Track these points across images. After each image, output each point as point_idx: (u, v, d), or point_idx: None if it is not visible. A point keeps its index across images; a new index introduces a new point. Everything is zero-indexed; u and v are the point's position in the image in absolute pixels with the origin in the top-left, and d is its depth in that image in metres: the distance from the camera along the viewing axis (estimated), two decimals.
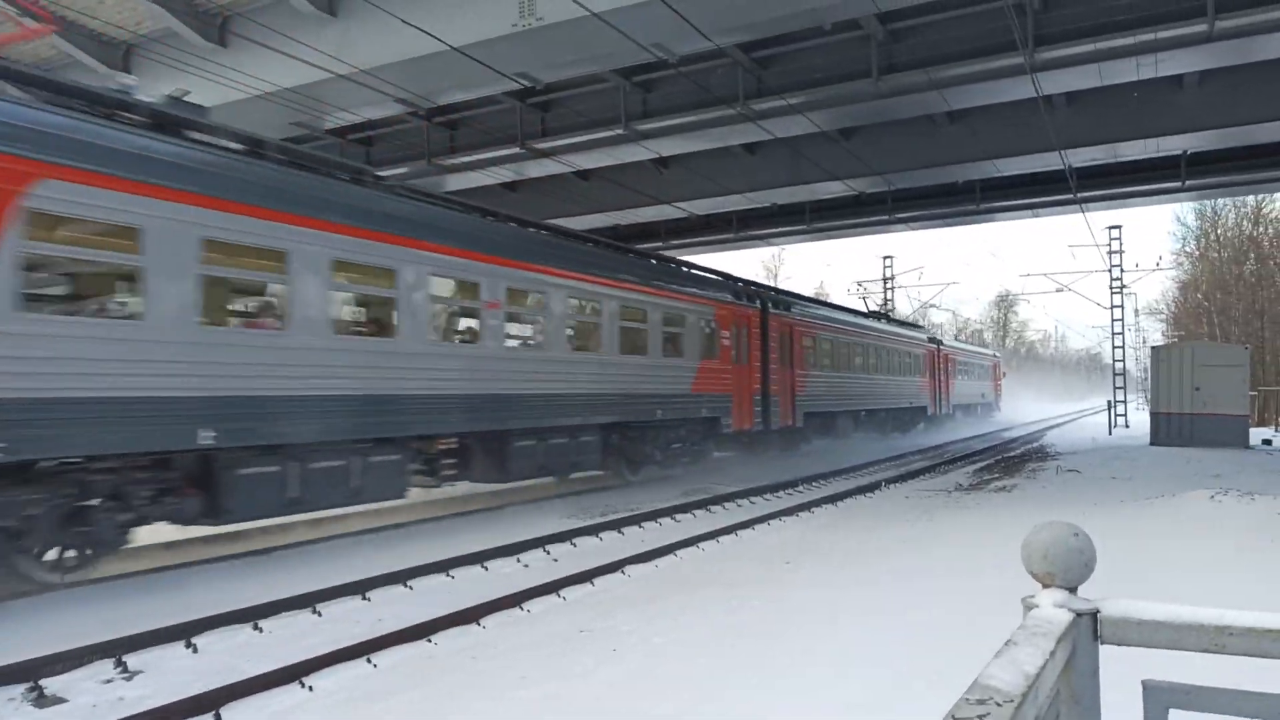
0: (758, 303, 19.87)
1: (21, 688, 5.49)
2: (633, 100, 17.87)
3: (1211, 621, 1.45)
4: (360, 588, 7.89)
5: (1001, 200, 22.52)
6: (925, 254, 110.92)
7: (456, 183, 21.71)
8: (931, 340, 35.99)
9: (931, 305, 57.89)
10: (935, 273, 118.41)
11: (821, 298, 34.97)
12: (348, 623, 7.08)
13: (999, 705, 1.05)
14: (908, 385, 31.35)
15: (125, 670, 5.89)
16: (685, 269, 18.50)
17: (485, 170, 20.40)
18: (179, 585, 8.21)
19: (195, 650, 6.33)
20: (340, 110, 16.75)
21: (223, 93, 15.77)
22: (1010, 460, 21.35)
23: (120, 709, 5.15)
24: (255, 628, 6.83)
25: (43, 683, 5.56)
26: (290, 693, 5.44)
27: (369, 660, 6.00)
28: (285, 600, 7.26)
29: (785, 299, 22.29)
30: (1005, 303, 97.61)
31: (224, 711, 5.11)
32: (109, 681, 5.73)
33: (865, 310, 34.76)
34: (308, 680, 5.57)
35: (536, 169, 20.60)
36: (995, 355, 54.75)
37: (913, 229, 27.16)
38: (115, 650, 6.05)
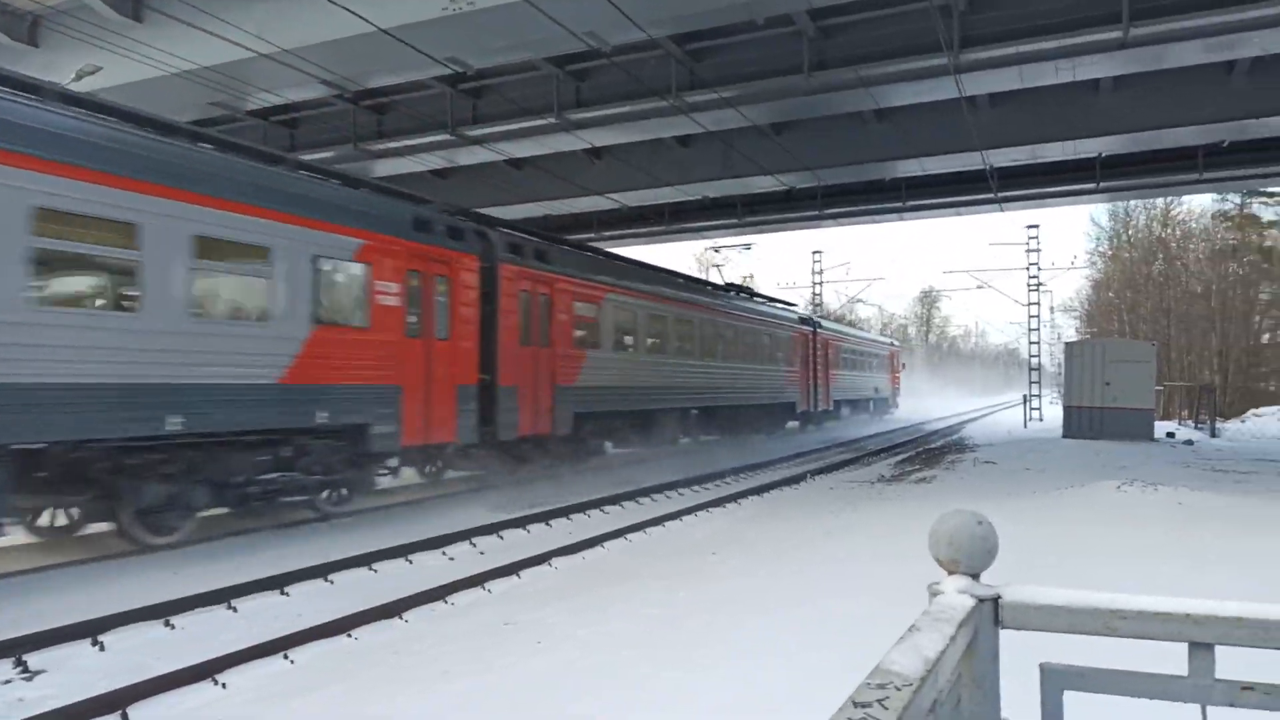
0: (474, 245, 13.24)
1: None
2: (565, 89, 17.74)
3: (1104, 605, 1.50)
4: (279, 582, 7.70)
5: (926, 198, 23.04)
6: (853, 250, 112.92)
7: (385, 168, 21.28)
8: (805, 321, 30.34)
9: (858, 300, 59.09)
10: (863, 268, 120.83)
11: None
12: (265, 618, 6.90)
13: (898, 689, 1.07)
14: (768, 376, 25.66)
15: (26, 670, 5.64)
16: (288, 166, 11.34)
17: (415, 156, 20.04)
18: (85, 582, 7.89)
19: (102, 648, 6.10)
20: (263, 91, 16.25)
21: (136, 70, 15.16)
22: (931, 452, 21.93)
23: (21, 710, 4.93)
24: (166, 624, 6.62)
25: None
26: (202, 690, 5.28)
27: (286, 656, 5.87)
28: (199, 596, 7.05)
29: (538, 246, 15.43)
30: (929, 299, 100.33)
31: (131, 711, 4.93)
32: (8, 682, 5.48)
33: (713, 282, 27.08)
34: (220, 677, 5.42)
35: (467, 156, 20.31)
36: (893, 343, 47.92)
37: (841, 225, 27.60)
38: (15, 649, 5.79)
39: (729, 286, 26.84)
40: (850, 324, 52.48)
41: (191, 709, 5.01)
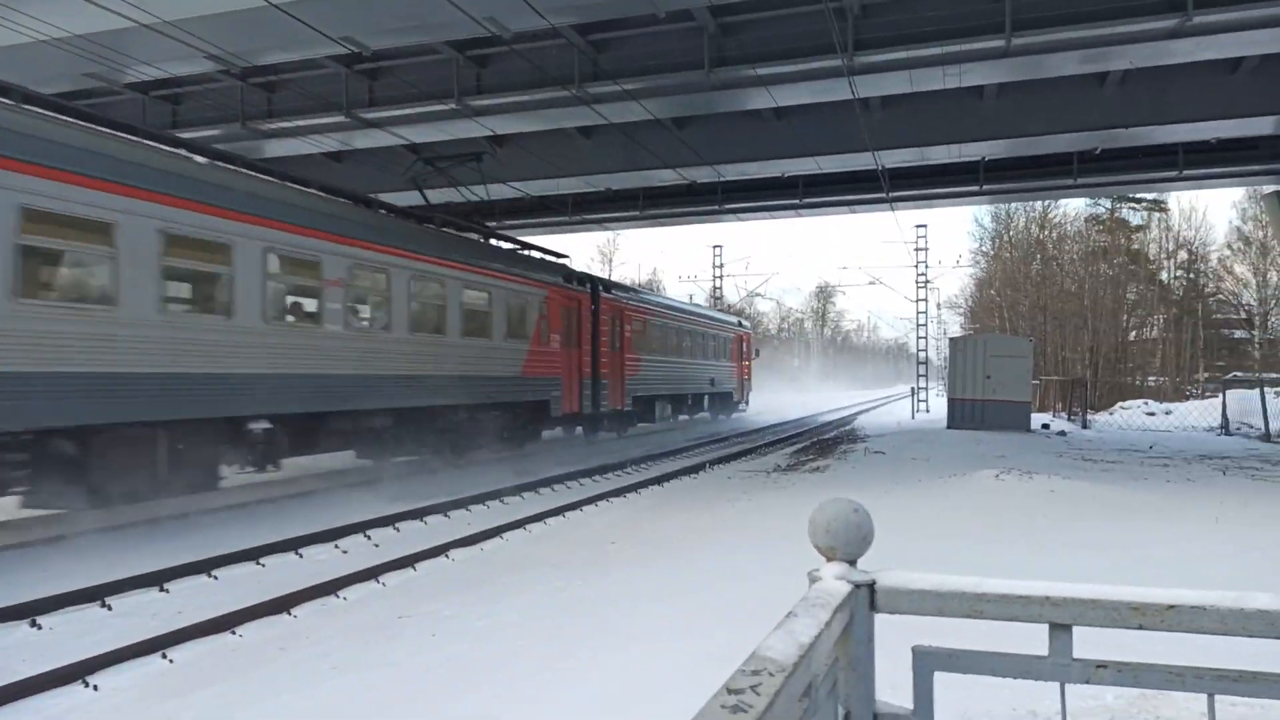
0: None
1: None
2: (466, 75, 17.43)
3: (970, 589, 1.58)
4: (157, 579, 7.36)
5: (821, 196, 23.65)
6: (754, 245, 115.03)
7: (275, 149, 20.51)
8: (576, 279, 20.22)
9: (757, 294, 60.21)
10: (763, 263, 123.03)
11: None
12: (143, 616, 6.60)
13: (771, 675, 1.10)
14: (491, 357, 15.83)
15: None
16: None
17: (307, 138, 19.37)
18: None
19: None
20: (142, 64, 15.41)
21: (2, 34, 14.16)
22: (824, 443, 22.55)
23: None
24: (33, 625, 6.25)
25: None
26: (72, 693, 5.01)
27: (164, 655, 5.62)
28: (68, 594, 6.67)
29: None
30: (824, 294, 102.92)
31: None
32: None
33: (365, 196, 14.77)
34: (92, 679, 5.15)
35: (364, 139, 19.75)
36: (741, 324, 36.49)
37: (741, 220, 28.04)
38: None
39: (426, 210, 17.14)
40: (719, 306, 46.27)
41: (59, 713, 4.76)
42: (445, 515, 11.13)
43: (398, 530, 10.15)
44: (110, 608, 6.78)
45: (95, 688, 5.10)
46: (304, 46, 14.86)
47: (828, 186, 23.12)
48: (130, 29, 13.57)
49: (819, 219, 33.85)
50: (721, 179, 22.62)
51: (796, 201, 23.75)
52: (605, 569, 7.85)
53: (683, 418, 28.85)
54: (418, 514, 10.85)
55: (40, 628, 6.24)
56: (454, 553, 8.88)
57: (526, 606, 6.60)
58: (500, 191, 23.23)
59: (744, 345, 35.30)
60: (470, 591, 7.20)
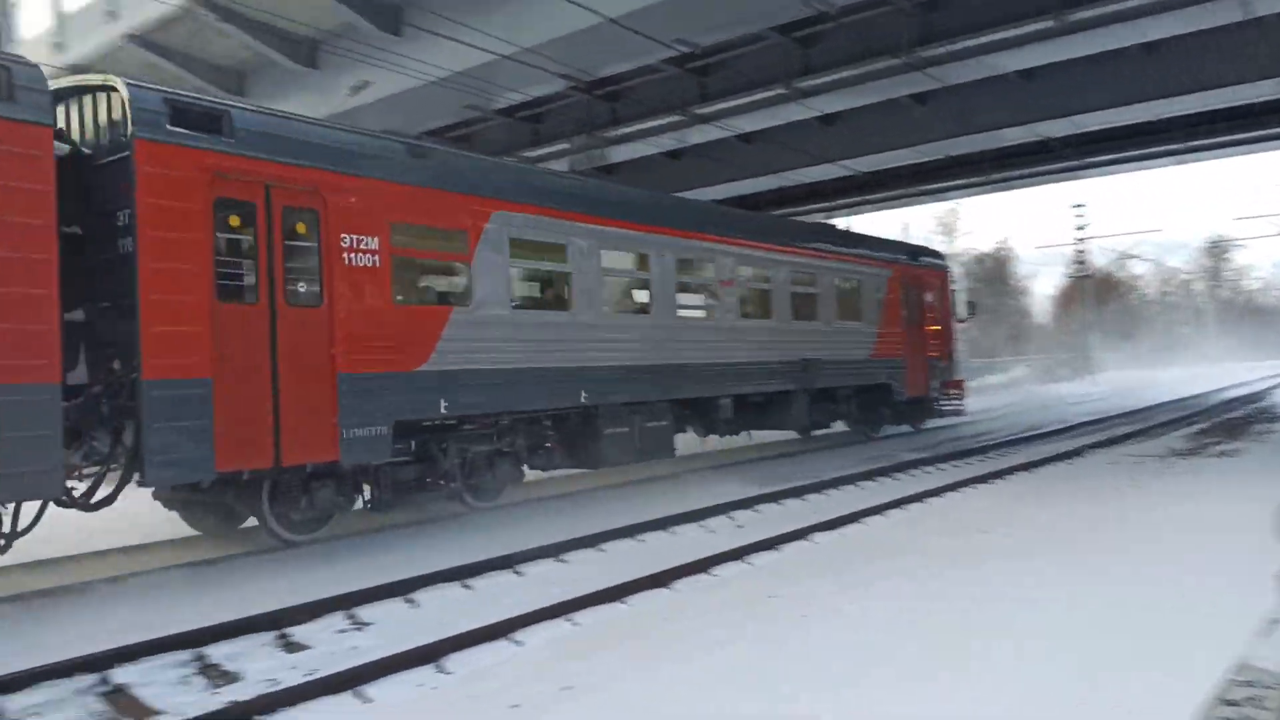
0: None
1: (271, 635, 6.18)
2: (793, 58, 17.49)
3: None
4: (556, 550, 8.37)
5: (1210, 138, 20.42)
6: (1121, 201, 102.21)
7: (620, 154, 22.04)
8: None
9: (1131, 256, 53.54)
10: (1133, 221, 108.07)
11: None
12: (546, 583, 7.48)
13: (1269, 687, 1.05)
14: None
15: (356, 622, 6.52)
16: None
17: (648, 140, 20.59)
18: (387, 547, 8.99)
19: (414, 605, 6.93)
20: (508, 90, 17.35)
21: (399, 81, 16.75)
22: (1231, 423, 19.53)
23: (354, 657, 5.67)
24: (464, 586, 7.40)
25: (287, 631, 6.24)
26: (503, 647, 5.83)
27: (570, 619, 6.35)
28: (489, 561, 7.81)
29: None
30: (1218, 249, 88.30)
31: (445, 661, 5.54)
32: (343, 632, 6.35)
33: None
34: (517, 635, 5.97)
35: (698, 135, 20.60)
36: (914, 257, 20.43)
37: (1105, 174, 25.17)
38: (347, 604, 6.71)
39: None
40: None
41: (496, 663, 5.54)
42: (802, 499, 11.33)
43: (758, 512, 10.53)
44: (521, 574, 7.83)
45: (520, 643, 5.91)
46: (641, 54, 15.85)
47: (1217, 125, 19.95)
48: (496, 61, 15.37)
49: (1206, 165, 29.04)
50: (1079, 130, 20.46)
51: (1177, 146, 20.79)
52: (976, 561, 7.51)
53: (710, 440, 15.30)
54: (775, 497, 11.18)
55: (470, 588, 7.38)
56: (816, 536, 9.00)
57: (895, 595, 6.53)
58: (829, 171, 23.03)
59: (919, 294, 19.60)
60: (835, 576, 7.26)
